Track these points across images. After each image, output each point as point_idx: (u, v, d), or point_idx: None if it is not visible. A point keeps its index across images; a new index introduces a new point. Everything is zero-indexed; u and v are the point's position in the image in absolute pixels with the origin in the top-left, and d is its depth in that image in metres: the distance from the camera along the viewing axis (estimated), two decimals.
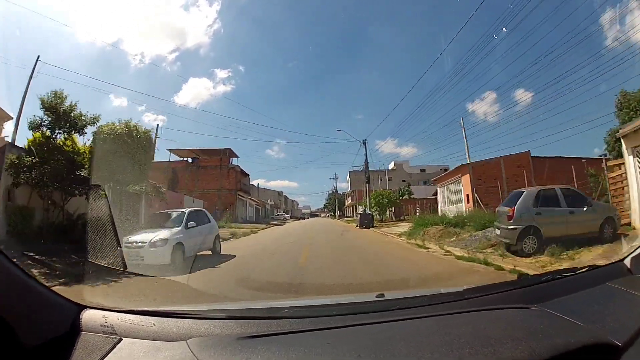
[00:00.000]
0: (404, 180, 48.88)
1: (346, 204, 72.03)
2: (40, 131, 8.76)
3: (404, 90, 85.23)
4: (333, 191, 71.68)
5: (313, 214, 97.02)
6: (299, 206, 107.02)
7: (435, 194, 28.84)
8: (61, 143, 8.97)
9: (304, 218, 67.50)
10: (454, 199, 19.74)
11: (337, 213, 61.20)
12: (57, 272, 6.06)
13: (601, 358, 0.96)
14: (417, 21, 64.41)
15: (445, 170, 54.29)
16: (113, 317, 1.19)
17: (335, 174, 67.91)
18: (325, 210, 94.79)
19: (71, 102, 8.91)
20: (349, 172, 61.85)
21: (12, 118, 13.61)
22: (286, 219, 52.47)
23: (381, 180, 49.45)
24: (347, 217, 60.26)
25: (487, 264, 6.57)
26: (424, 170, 53.45)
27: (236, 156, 38.65)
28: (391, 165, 57.70)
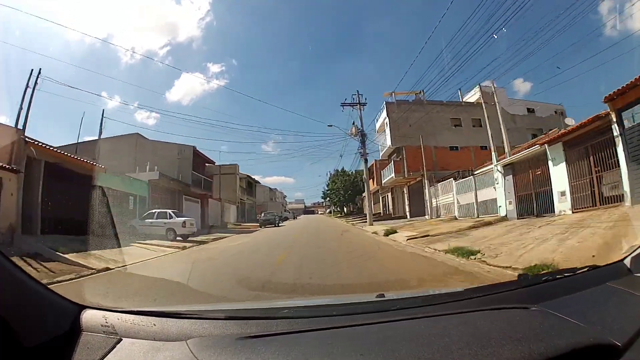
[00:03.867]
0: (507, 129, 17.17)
1: (374, 185, 30.28)
2: None
3: (402, 77, 75.65)
4: (357, 153, 25.94)
5: (308, 210, 78.36)
6: (285, 198, 74.45)
7: None
8: None
9: (274, 222, 29.77)
10: None
11: (361, 205, 28.68)
12: None
13: (601, 359, 0.96)
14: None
15: (562, 113, 23.61)
16: (113, 317, 1.19)
17: (358, 92, 23.28)
18: (326, 204, 61.61)
19: None
20: (386, 104, 26.48)
21: None
22: (172, 236, 14.40)
23: (455, 126, 24.65)
24: (380, 217, 27.00)
25: None
26: (533, 111, 25.76)
27: None
28: (472, 96, 25.18)
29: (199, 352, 0.99)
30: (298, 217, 52.81)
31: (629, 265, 1.55)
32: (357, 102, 22.84)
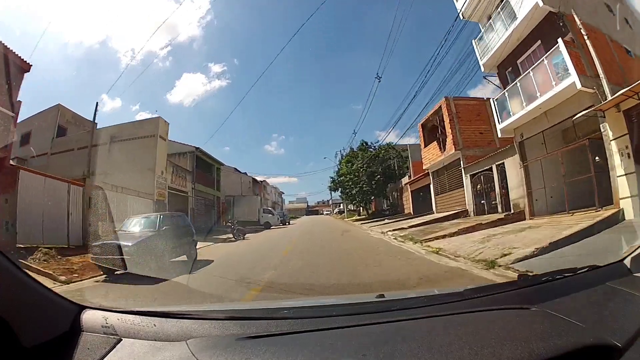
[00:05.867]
0: None
1: (434, 156, 16.66)
2: None
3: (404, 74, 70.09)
4: None
5: (311, 210, 70.94)
6: (282, 196, 59.00)
7: None
8: None
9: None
10: None
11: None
12: None
13: (601, 359, 0.96)
14: None
15: None
16: (113, 318, 1.19)
17: None
18: (333, 201, 46.35)
19: None
20: None
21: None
22: None
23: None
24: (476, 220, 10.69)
25: None
26: None
27: None
28: None
29: (199, 353, 0.99)
30: (292, 222, 32.48)
31: (629, 266, 1.55)
32: None
